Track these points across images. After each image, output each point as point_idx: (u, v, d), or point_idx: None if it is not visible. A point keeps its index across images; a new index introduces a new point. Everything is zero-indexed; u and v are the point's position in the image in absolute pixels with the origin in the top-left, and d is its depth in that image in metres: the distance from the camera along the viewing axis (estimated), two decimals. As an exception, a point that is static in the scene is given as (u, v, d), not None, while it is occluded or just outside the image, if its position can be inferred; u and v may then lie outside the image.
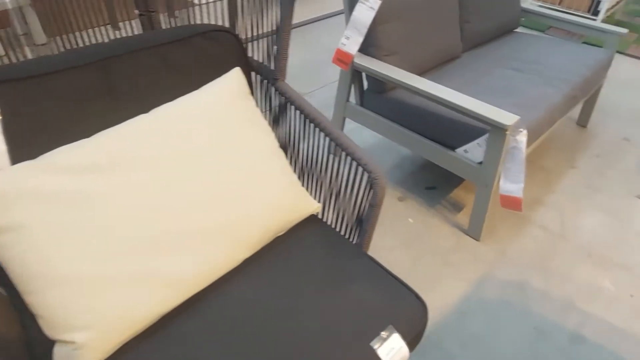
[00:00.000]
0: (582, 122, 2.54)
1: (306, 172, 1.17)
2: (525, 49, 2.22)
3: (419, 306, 0.92)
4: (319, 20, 3.75)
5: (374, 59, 1.76)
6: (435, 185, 2.02)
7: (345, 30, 1.73)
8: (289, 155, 1.21)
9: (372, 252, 1.67)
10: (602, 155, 2.32)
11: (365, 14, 1.67)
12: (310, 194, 1.19)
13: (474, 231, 1.74)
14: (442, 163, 1.72)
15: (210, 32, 1.06)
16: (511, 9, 2.38)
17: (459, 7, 2.10)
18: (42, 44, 1.01)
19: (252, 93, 1.20)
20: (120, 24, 1.12)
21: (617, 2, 4.08)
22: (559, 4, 3.91)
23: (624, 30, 2.23)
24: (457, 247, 1.72)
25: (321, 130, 1.08)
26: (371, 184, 0.98)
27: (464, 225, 1.81)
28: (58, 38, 1.00)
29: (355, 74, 1.88)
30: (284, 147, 1.20)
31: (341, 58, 1.76)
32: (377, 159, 2.14)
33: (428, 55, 1.90)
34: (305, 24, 3.67)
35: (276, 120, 1.21)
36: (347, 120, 2.05)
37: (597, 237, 1.82)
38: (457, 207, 1.91)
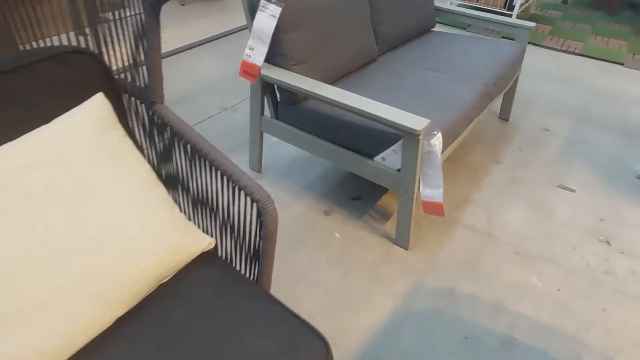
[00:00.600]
0: (504, 115, 2.59)
1: (198, 204, 1.05)
2: (441, 48, 2.21)
3: (321, 346, 0.83)
4: (236, 32, 3.63)
5: (282, 70, 1.66)
6: (361, 195, 1.95)
7: (249, 40, 1.62)
8: (179, 187, 1.08)
9: (300, 271, 1.57)
10: (524, 148, 2.35)
11: (266, 22, 1.57)
12: (205, 229, 1.07)
13: (401, 240, 1.68)
14: (363, 173, 1.65)
15: (63, 55, 0.91)
16: (425, 9, 2.38)
17: (370, 9, 2.06)
18: None
19: (128, 118, 1.06)
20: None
21: (530, -3, 4.26)
22: (477, 1, 4.02)
23: (532, 24, 2.28)
24: (386, 259, 1.65)
25: (201, 156, 0.96)
26: (259, 214, 0.87)
27: (392, 235, 1.75)
28: None
29: (266, 86, 1.78)
30: (174, 178, 1.07)
31: (248, 70, 1.65)
32: (300, 173, 2.05)
33: (340, 61, 1.83)
34: (223, 36, 3.53)
35: (161, 150, 1.07)
36: (268, 135, 1.94)
37: (522, 232, 1.81)
38: (385, 216, 1.85)
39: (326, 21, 1.75)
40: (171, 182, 1.08)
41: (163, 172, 1.08)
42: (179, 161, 1.03)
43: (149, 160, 1.10)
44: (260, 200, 0.86)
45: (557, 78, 3.17)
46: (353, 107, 1.48)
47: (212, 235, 1.04)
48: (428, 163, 1.50)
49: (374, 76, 1.91)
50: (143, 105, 1.05)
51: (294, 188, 1.96)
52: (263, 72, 1.65)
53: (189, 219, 1.04)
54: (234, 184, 0.91)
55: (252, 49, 1.62)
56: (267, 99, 1.82)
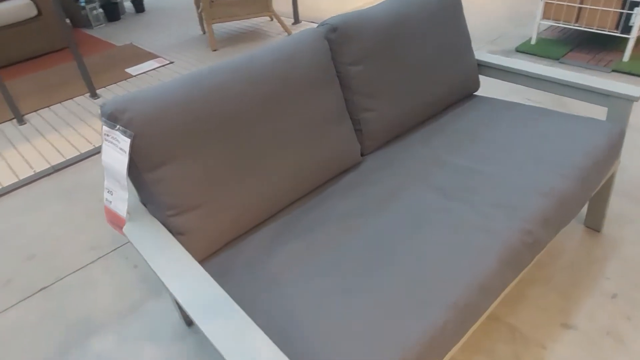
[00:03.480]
0: (593, 223, 1.64)
1: None
2: (472, 136, 1.40)
3: None
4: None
5: (156, 224, 1.05)
6: None
7: (105, 180, 1.06)
8: None
9: None
10: (621, 294, 1.41)
11: (116, 158, 0.99)
12: None
13: None
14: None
15: None
16: (456, 67, 1.57)
17: (347, 94, 1.35)
18: None
19: None
20: None
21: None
22: (576, 22, 2.94)
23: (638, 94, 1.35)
24: None
25: None
26: None
27: None
28: None
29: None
30: None
31: (113, 220, 1.09)
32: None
33: (270, 191, 1.16)
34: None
35: None
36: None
37: None
38: None
39: (236, 132, 1.11)
40: None
41: None
42: None
43: None
44: None
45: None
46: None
47: None
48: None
49: (343, 208, 1.20)
50: None
51: None
52: (127, 229, 1.06)
53: None
54: None
55: (110, 192, 1.05)
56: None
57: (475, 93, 1.74)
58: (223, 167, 1.07)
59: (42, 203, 2.16)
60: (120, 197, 1.03)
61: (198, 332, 1.44)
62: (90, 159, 2.49)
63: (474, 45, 3.31)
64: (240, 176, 1.09)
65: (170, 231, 1.04)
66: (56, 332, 1.51)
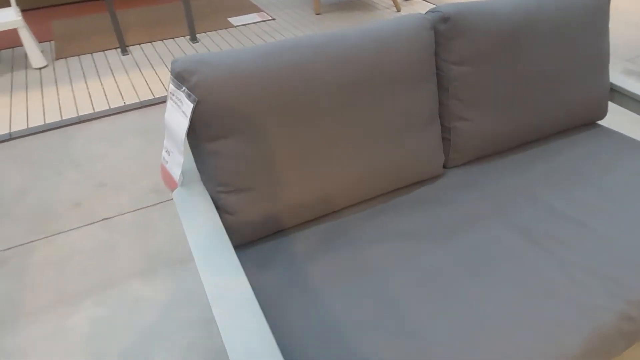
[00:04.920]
0: None
1: None
2: (583, 176, 1.17)
3: None
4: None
5: (205, 198, 0.99)
6: None
7: (165, 139, 1.00)
8: None
9: None
10: None
11: (177, 120, 0.93)
12: None
13: None
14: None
15: None
16: (585, 89, 1.31)
17: (443, 96, 1.17)
18: None
19: None
20: None
21: None
22: None
23: None
24: None
25: None
26: None
27: None
28: None
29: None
30: None
31: (167, 180, 1.05)
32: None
33: (330, 189, 1.04)
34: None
35: None
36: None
37: None
38: None
39: (306, 118, 0.99)
40: None
41: None
42: None
43: None
44: None
45: None
46: None
47: None
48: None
49: (406, 226, 1.06)
50: None
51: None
52: (176, 193, 1.01)
53: None
54: None
55: (168, 152, 1.00)
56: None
57: (598, 122, 1.46)
58: (284, 152, 0.97)
59: (123, 136, 2.25)
60: (176, 160, 0.98)
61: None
62: (175, 101, 2.54)
63: (606, 60, 2.85)
64: (301, 166, 0.99)
65: (217, 207, 0.98)
66: (103, 267, 1.56)
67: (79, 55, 3.01)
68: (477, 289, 0.88)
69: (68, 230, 1.71)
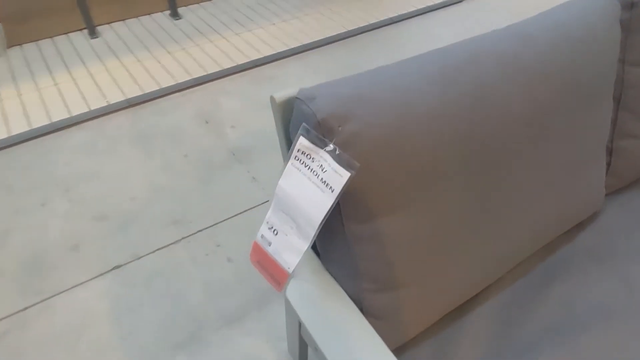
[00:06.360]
0: None
1: None
2: None
3: None
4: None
5: (342, 297, 0.66)
6: None
7: (270, 211, 0.65)
8: None
9: None
10: None
11: (308, 195, 0.57)
12: None
13: None
14: None
15: None
16: None
17: (617, 112, 0.87)
18: None
19: None
20: None
21: None
22: None
23: None
24: None
25: None
26: None
27: None
28: None
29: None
30: None
31: (267, 267, 0.70)
32: None
33: (495, 259, 0.74)
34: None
35: None
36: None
37: None
38: None
39: (487, 167, 0.67)
40: None
41: None
42: None
43: None
44: None
45: None
46: None
47: None
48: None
49: (585, 302, 0.77)
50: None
51: None
52: (291, 290, 0.67)
53: None
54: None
55: (275, 231, 0.65)
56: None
57: None
58: (453, 224, 0.64)
59: (113, 146, 1.81)
60: (294, 245, 0.63)
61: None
62: (169, 97, 2.10)
63: None
64: (475, 239, 0.67)
65: (362, 310, 0.65)
66: (127, 340, 1.20)
67: (36, 41, 2.45)
68: None
69: (70, 288, 1.32)
